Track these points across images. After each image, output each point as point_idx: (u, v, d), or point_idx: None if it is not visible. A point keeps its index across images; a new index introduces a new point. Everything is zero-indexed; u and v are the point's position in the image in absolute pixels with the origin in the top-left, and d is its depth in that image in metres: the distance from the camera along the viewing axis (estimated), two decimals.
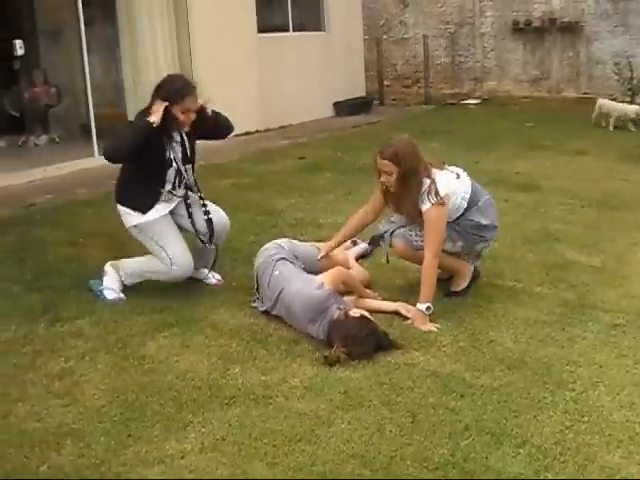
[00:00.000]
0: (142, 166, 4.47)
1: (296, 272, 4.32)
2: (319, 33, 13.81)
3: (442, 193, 4.21)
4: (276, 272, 4.28)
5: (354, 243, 5.32)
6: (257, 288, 4.43)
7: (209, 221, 4.63)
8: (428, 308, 4.17)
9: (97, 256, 4.80)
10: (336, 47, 13.79)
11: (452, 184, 4.32)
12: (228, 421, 3.23)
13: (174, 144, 4.55)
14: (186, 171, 4.61)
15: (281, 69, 12.47)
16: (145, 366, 3.77)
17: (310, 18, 13.79)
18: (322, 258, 4.55)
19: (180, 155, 4.58)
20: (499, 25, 15.55)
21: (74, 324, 4.32)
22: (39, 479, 2.88)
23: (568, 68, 14.88)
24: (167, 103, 4.36)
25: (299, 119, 12.75)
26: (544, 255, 5.33)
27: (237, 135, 11.36)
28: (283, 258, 4.38)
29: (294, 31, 13.19)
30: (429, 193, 4.21)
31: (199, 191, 4.71)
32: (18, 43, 10.10)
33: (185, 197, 4.64)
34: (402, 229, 4.50)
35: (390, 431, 3.12)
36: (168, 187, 4.58)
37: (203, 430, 3.17)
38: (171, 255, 4.49)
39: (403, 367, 3.67)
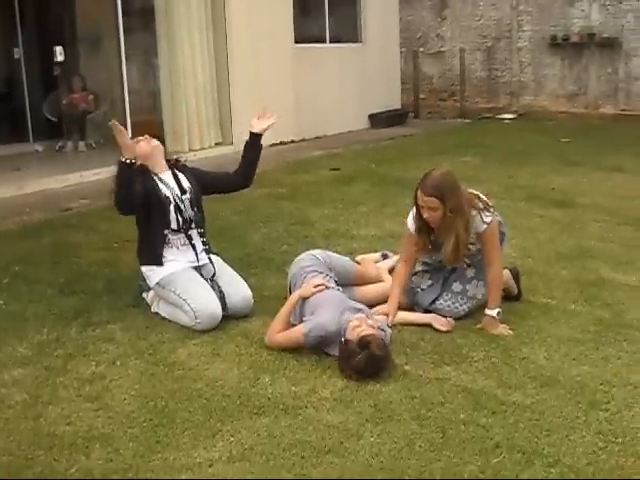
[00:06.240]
0: (146, 215, 4.44)
1: (324, 302, 4.07)
2: (356, 45, 13.85)
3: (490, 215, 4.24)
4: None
5: (384, 257, 5.22)
6: None
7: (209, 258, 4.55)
8: (498, 313, 4.23)
9: (130, 261, 4.81)
10: (372, 59, 13.81)
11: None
12: (257, 431, 3.21)
13: (167, 181, 4.54)
14: (182, 202, 4.50)
15: (317, 80, 12.52)
16: (175, 373, 3.78)
17: (347, 29, 13.84)
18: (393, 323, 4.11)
19: (177, 190, 4.53)
20: (536, 40, 15.47)
21: (106, 329, 4.34)
22: None
23: (606, 84, 14.75)
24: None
25: (334, 130, 12.79)
26: (579, 272, 5.26)
27: (272, 145, 11.48)
28: (315, 271, 4.33)
29: (331, 42, 13.25)
30: (482, 214, 4.21)
31: (201, 227, 4.60)
32: (58, 49, 10.26)
33: (185, 230, 4.49)
34: (447, 301, 4.43)
35: (420, 446, 3.08)
36: (173, 226, 4.46)
37: (232, 439, 3.16)
38: (194, 308, 4.26)
39: (434, 382, 3.63)
